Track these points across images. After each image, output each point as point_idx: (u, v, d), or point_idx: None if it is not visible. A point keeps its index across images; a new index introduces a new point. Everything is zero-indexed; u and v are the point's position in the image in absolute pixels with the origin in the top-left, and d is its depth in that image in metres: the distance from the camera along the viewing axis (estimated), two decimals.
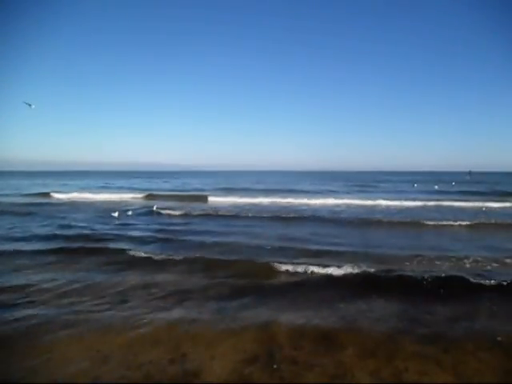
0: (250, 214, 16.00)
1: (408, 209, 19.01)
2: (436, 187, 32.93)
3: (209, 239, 10.62)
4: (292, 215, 15.84)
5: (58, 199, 24.41)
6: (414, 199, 22.23)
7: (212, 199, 24.18)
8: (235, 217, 15.65)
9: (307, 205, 21.02)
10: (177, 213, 16.56)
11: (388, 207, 19.76)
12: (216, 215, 16.07)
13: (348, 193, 29.86)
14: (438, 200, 21.64)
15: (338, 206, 20.50)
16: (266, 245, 9.71)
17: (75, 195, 26.32)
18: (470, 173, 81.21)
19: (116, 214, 14.74)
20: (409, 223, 13.82)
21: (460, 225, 13.21)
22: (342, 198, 23.39)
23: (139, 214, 16.21)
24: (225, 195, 26.09)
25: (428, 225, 13.40)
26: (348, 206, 20.51)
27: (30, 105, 13.22)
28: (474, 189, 31.09)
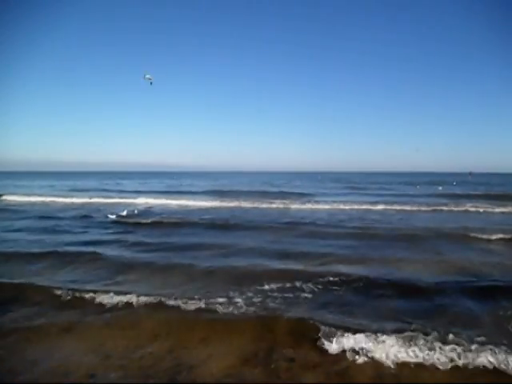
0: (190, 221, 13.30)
1: (413, 214, 15.89)
2: (440, 188, 31.45)
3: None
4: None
5: (7, 202, 21.66)
6: (421, 203, 19.21)
7: (182, 202, 21.26)
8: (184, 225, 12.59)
9: (276, 209, 18.25)
10: (125, 220, 13.38)
11: (390, 212, 16.58)
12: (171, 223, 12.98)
13: (340, 195, 26.69)
14: (447, 205, 18.64)
15: (327, 210, 17.31)
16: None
17: (32, 198, 23.15)
18: (470, 174, 79.87)
19: (113, 216, 13.69)
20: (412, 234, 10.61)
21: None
22: (333, 202, 20.28)
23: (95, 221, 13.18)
24: (204, 199, 23.08)
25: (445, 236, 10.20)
26: (332, 211, 17.27)
27: (151, 82, 10.65)
28: (474, 191, 28.49)
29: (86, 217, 14.07)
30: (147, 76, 10.03)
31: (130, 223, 12.68)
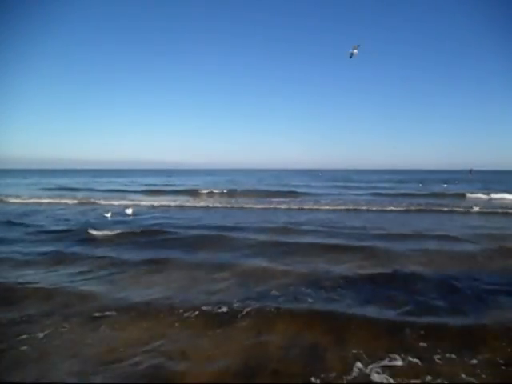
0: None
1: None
2: (445, 186, 29.65)
3: None
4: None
5: None
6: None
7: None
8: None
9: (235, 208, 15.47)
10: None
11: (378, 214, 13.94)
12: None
13: (335, 194, 23.87)
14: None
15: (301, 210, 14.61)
16: None
17: None
18: (471, 171, 76.99)
19: (109, 215, 12.52)
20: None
21: None
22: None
23: None
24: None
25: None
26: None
27: (351, 56, 9.09)
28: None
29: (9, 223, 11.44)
30: (355, 51, 8.86)
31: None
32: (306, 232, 10.09)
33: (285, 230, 10.43)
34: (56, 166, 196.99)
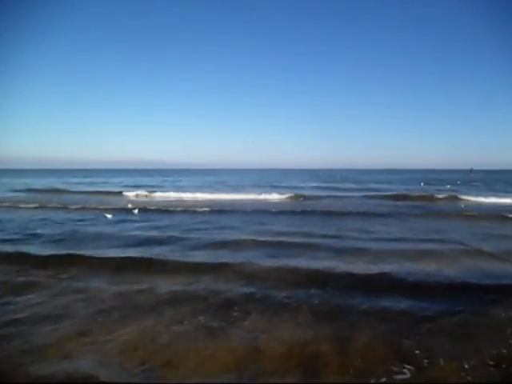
0: None
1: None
2: (448, 187, 28.30)
3: None
4: None
5: None
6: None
7: None
8: None
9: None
10: None
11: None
12: None
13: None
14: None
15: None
16: None
17: None
18: (471, 171, 75.62)
19: (110, 216, 12.34)
20: None
21: None
22: None
23: None
24: None
25: None
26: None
27: None
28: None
29: None
30: None
31: None
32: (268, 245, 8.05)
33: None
34: (55, 166, 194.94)
